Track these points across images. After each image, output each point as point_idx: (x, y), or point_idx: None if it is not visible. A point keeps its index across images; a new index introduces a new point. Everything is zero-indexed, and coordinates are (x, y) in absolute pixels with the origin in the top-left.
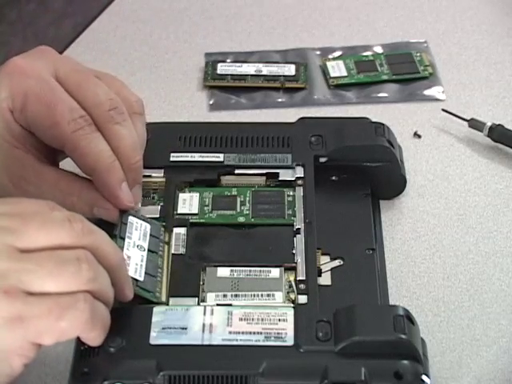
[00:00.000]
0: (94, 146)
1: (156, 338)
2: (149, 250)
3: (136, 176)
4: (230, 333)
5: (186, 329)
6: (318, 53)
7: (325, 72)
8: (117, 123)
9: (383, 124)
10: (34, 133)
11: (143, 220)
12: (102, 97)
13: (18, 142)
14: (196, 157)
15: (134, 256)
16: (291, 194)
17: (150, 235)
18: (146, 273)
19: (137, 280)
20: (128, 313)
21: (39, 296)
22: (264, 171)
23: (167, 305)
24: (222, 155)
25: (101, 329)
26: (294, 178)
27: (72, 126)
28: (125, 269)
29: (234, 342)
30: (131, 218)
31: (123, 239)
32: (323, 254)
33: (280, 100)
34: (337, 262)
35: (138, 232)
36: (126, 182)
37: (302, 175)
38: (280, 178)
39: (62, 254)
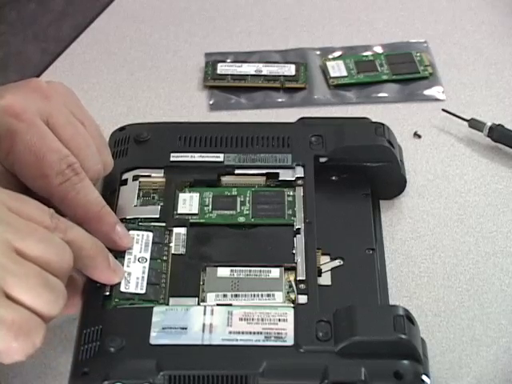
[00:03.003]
0: (81, 196)
1: (156, 337)
2: (151, 258)
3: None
4: (230, 333)
5: (186, 329)
6: (318, 53)
7: (325, 72)
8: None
9: (383, 124)
10: (20, 179)
11: (144, 229)
12: (91, 163)
13: None
14: (196, 157)
15: (135, 271)
16: (291, 194)
17: (153, 243)
18: (148, 283)
19: (138, 294)
20: (128, 313)
21: (11, 303)
22: (264, 171)
23: (167, 305)
24: (222, 155)
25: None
26: (294, 178)
27: (60, 178)
28: None
29: (234, 342)
30: (131, 233)
31: (123, 257)
32: (323, 254)
33: (280, 100)
34: (337, 262)
35: (138, 245)
36: (120, 224)
37: (302, 175)
38: (280, 178)
39: (49, 277)
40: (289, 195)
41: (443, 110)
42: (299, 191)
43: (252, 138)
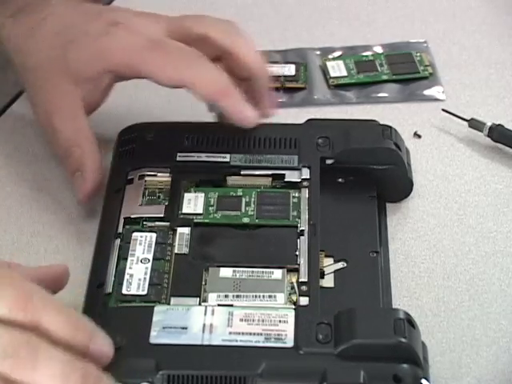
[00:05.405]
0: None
1: (156, 337)
2: (154, 259)
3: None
4: (230, 333)
5: (186, 328)
6: (318, 53)
7: (325, 72)
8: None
9: (390, 127)
10: None
11: (149, 231)
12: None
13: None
14: (202, 157)
15: (137, 272)
16: (296, 195)
17: (157, 243)
18: (149, 284)
19: (139, 295)
20: (128, 312)
21: None
22: (270, 172)
23: (169, 304)
24: (228, 156)
25: None
26: (299, 180)
27: None
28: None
29: (234, 343)
30: (135, 234)
31: (126, 259)
32: (327, 256)
33: (280, 100)
34: (340, 265)
35: (141, 246)
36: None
37: (308, 177)
38: (286, 180)
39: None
40: (294, 196)
41: (443, 110)
42: (304, 193)
43: (259, 138)
